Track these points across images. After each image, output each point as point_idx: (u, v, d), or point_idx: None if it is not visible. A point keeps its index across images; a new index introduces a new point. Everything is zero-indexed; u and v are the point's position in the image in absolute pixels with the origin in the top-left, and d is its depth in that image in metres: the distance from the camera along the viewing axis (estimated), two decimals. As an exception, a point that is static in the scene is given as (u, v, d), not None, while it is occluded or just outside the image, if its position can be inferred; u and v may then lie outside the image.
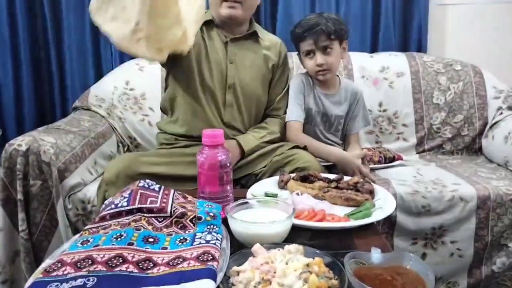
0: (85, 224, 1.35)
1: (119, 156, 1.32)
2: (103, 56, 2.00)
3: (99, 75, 1.99)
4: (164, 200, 0.76)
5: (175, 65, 1.31)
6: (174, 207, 0.75)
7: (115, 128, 1.73)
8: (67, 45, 1.97)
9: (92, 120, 1.62)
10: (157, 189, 0.81)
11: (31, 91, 1.99)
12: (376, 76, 1.85)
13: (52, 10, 1.93)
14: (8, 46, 1.93)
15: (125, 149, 1.74)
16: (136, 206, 0.73)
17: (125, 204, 0.74)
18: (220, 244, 0.66)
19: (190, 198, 0.80)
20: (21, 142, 1.26)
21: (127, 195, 0.76)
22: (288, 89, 1.47)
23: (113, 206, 0.74)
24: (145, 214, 0.73)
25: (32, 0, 1.92)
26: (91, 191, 1.36)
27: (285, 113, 1.45)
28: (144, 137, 1.76)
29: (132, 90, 1.78)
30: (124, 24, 0.90)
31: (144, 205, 0.74)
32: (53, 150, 1.28)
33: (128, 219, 0.72)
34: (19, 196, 1.25)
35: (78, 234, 0.72)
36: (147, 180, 0.84)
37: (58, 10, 1.94)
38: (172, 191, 0.81)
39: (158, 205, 0.74)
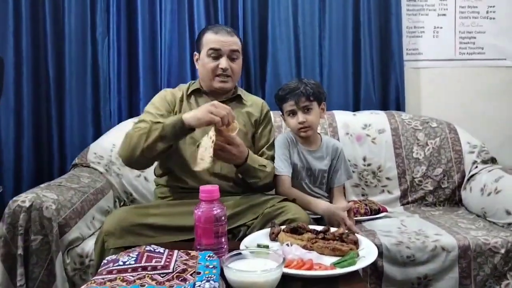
0: (82, 278, 1.38)
1: (117, 209, 1.38)
2: (102, 116, 2.11)
3: (97, 134, 2.09)
4: (168, 259, 0.84)
5: None
6: (177, 264, 0.82)
7: (113, 184, 1.80)
8: (68, 106, 2.08)
9: (91, 177, 1.70)
10: (162, 251, 0.88)
11: (30, 149, 2.06)
12: (359, 133, 1.98)
13: (56, 73, 2.07)
14: (12, 106, 2.03)
15: (121, 204, 1.80)
16: (142, 264, 0.81)
17: (132, 262, 0.82)
18: (217, 292, 0.72)
19: (193, 253, 0.87)
20: (24, 199, 1.32)
21: (134, 255, 0.84)
22: (273, 142, 1.58)
23: (120, 263, 0.81)
24: (149, 272, 0.80)
25: (38, 63, 2.06)
26: (89, 246, 1.40)
27: (272, 162, 1.54)
28: (139, 192, 1.83)
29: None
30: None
31: (150, 264, 0.81)
32: (55, 206, 1.34)
33: (133, 276, 0.79)
34: (20, 251, 1.29)
35: (85, 284, 0.77)
36: (153, 245, 0.92)
37: (62, 73, 2.07)
38: (176, 251, 0.88)
39: (162, 263, 0.82)
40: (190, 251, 0.87)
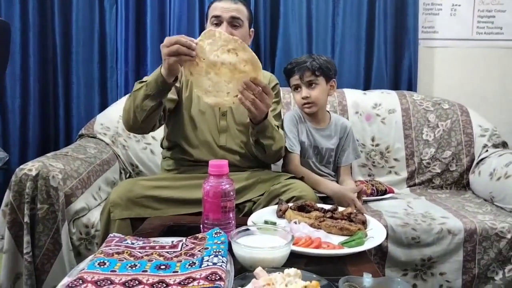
0: (87, 248, 1.39)
1: (125, 180, 1.37)
2: (109, 86, 2.09)
3: (104, 104, 2.07)
4: (176, 243, 0.84)
5: (177, 101, 1.42)
6: (185, 244, 0.82)
7: (119, 156, 1.80)
8: (75, 75, 2.06)
9: (97, 147, 1.69)
10: (168, 240, 0.87)
11: (36, 118, 2.06)
12: (369, 112, 1.95)
13: (63, 41, 2.04)
14: (18, 74, 2.02)
15: (127, 176, 1.81)
16: (151, 244, 0.82)
17: (140, 243, 0.82)
18: (226, 267, 0.72)
19: (200, 235, 0.86)
20: (31, 167, 1.31)
21: (142, 239, 0.85)
22: (279, 114, 1.54)
23: (128, 242, 0.82)
24: (156, 250, 0.80)
25: (44, 30, 2.03)
26: (95, 216, 1.40)
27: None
28: (145, 164, 1.83)
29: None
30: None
31: (158, 244, 0.82)
32: (61, 175, 1.34)
33: (140, 252, 0.78)
34: (26, 219, 1.29)
35: (92, 255, 0.77)
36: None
37: (68, 41, 2.04)
38: (183, 238, 0.87)
39: (170, 244, 0.83)
40: (198, 235, 0.86)
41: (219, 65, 1.12)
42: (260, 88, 1.15)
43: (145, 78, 1.37)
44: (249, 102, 1.16)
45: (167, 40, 1.11)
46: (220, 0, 1.42)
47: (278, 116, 1.54)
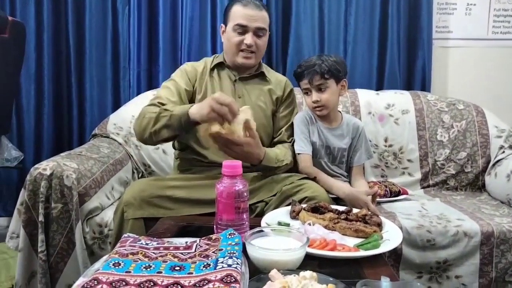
0: (101, 247, 1.40)
1: (138, 180, 1.38)
2: (122, 86, 2.10)
3: (116, 104, 2.09)
4: (190, 244, 0.84)
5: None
6: (199, 245, 0.82)
7: (131, 155, 1.80)
8: (88, 75, 2.08)
9: (110, 147, 1.70)
10: (182, 241, 0.87)
11: (50, 118, 2.08)
12: (382, 113, 1.93)
13: (77, 42, 2.06)
14: (33, 74, 2.04)
15: (140, 175, 1.81)
16: (165, 245, 0.82)
17: (154, 244, 0.82)
18: (240, 268, 0.71)
19: (215, 236, 0.86)
20: (45, 167, 1.33)
21: (156, 239, 0.85)
22: (292, 123, 1.54)
23: (143, 243, 0.82)
24: (171, 251, 0.80)
25: (58, 31, 2.05)
26: (108, 215, 1.41)
27: (292, 143, 1.51)
28: (158, 164, 1.83)
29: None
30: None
31: (172, 245, 0.82)
32: (75, 175, 1.35)
33: (155, 253, 0.78)
34: (40, 218, 1.30)
35: (107, 255, 0.77)
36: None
37: (82, 42, 2.06)
38: (197, 239, 0.87)
39: (184, 245, 0.82)
40: (212, 236, 0.86)
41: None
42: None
43: (159, 92, 1.40)
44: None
45: (222, 98, 1.11)
46: (244, 5, 1.40)
47: (292, 126, 1.52)
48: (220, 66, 1.49)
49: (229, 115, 1.12)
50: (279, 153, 1.41)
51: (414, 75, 2.13)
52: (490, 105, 2.01)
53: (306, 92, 1.53)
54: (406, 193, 1.73)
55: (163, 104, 1.33)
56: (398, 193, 1.70)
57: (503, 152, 1.84)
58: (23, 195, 1.33)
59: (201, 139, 1.35)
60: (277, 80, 1.55)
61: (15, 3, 2.01)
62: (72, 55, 2.06)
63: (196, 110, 1.18)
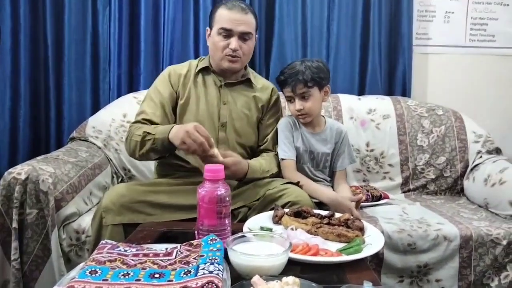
0: (78, 254, 1.36)
1: (117, 185, 1.35)
2: (101, 88, 2.06)
3: (96, 107, 2.03)
4: (170, 250, 0.82)
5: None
6: (179, 251, 0.79)
7: (111, 159, 1.76)
8: (67, 77, 2.02)
9: (89, 151, 1.66)
10: (163, 248, 0.85)
11: (27, 121, 2.01)
12: (363, 118, 1.94)
13: (55, 43, 2.00)
14: (8, 75, 1.97)
15: (119, 180, 1.77)
16: (144, 252, 0.79)
17: (133, 250, 0.80)
18: (222, 275, 0.70)
19: (196, 242, 0.84)
20: (20, 171, 1.28)
21: (135, 246, 0.83)
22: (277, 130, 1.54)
23: (121, 249, 0.79)
24: (150, 258, 0.77)
25: (36, 30, 1.99)
26: (86, 221, 1.37)
27: (276, 151, 1.51)
28: (138, 169, 1.80)
29: (129, 123, 1.82)
30: None
31: (151, 251, 0.80)
32: (51, 179, 1.31)
33: (134, 260, 0.76)
34: (14, 224, 1.25)
35: (83, 263, 0.75)
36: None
37: (60, 42, 2.00)
38: (178, 245, 0.85)
39: (164, 252, 0.80)
40: (193, 241, 0.84)
41: None
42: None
43: (143, 107, 1.42)
44: None
45: (195, 134, 1.15)
46: (229, 8, 1.39)
47: (276, 133, 1.53)
48: (205, 70, 1.48)
49: (199, 151, 1.16)
50: (264, 164, 1.42)
51: (395, 80, 2.16)
52: (468, 111, 2.05)
53: (289, 99, 1.52)
54: (387, 198, 1.75)
55: (148, 120, 1.35)
56: (380, 198, 1.72)
57: (481, 157, 1.88)
58: (-5, 201, 1.28)
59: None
60: (263, 86, 1.54)
61: (-11, 2, 1.94)
62: (50, 56, 2.00)
63: (173, 135, 1.22)
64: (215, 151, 1.19)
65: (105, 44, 2.03)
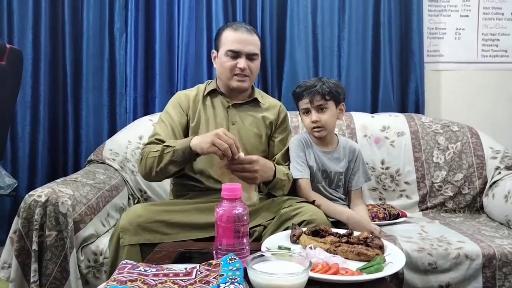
0: (95, 276, 1.36)
1: (134, 206, 1.36)
2: (118, 112, 2.10)
3: (112, 130, 2.08)
4: (189, 270, 0.82)
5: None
6: (199, 271, 0.80)
7: (127, 181, 1.78)
8: (85, 101, 2.07)
9: (106, 173, 1.68)
10: (182, 267, 0.85)
11: (46, 144, 2.06)
12: (377, 135, 1.93)
13: (74, 69, 2.07)
14: (29, 100, 2.03)
15: (135, 201, 1.79)
16: (164, 272, 0.79)
17: (153, 270, 0.80)
18: (243, 295, 0.69)
19: (215, 262, 0.84)
20: (40, 193, 1.30)
21: (155, 266, 0.83)
22: (288, 148, 1.54)
23: (141, 269, 0.80)
24: (170, 278, 0.77)
25: (55, 58, 2.06)
26: (103, 243, 1.38)
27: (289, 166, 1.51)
28: (154, 190, 1.81)
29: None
30: None
31: (171, 271, 0.80)
32: (70, 201, 1.32)
33: (154, 280, 0.76)
34: (34, 246, 1.27)
35: (105, 283, 0.75)
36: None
37: (79, 69, 2.07)
38: (197, 265, 0.85)
39: (184, 272, 0.80)
40: (212, 261, 0.84)
41: None
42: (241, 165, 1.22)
43: (156, 129, 1.44)
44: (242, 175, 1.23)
45: (224, 136, 1.18)
46: (235, 30, 1.43)
47: (287, 154, 1.53)
48: (213, 93, 1.51)
49: (229, 151, 1.17)
50: (284, 168, 1.45)
51: (408, 98, 2.16)
52: (483, 126, 2.04)
53: (305, 112, 1.53)
54: (405, 216, 1.72)
55: (161, 141, 1.37)
56: (397, 216, 1.69)
57: (499, 173, 1.84)
58: (16, 223, 1.30)
59: (218, 177, 1.37)
60: (271, 105, 1.56)
61: (13, 31, 2.03)
62: (68, 81, 2.06)
63: (197, 142, 1.23)
64: (241, 154, 1.21)
65: (121, 69, 2.08)
